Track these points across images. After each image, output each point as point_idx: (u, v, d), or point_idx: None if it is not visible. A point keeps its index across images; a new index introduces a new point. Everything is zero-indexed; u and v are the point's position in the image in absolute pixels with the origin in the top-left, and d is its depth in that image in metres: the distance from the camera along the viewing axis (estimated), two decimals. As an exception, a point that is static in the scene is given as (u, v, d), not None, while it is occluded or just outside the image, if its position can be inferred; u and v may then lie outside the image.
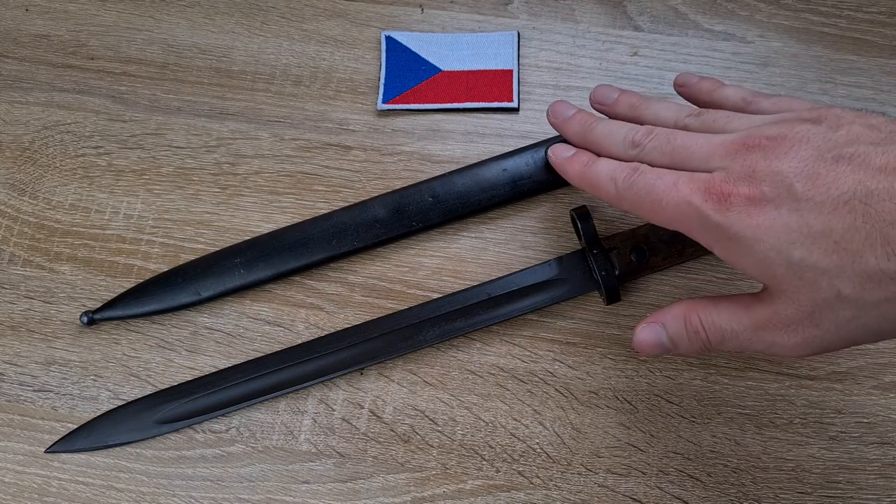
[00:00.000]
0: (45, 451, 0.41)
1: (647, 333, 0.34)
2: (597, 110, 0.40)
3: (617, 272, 0.40)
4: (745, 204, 0.29)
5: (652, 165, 0.34)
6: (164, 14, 0.50)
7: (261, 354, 0.42)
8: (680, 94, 0.40)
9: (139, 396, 0.42)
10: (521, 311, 0.41)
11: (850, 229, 0.27)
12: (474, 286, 0.42)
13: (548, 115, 0.41)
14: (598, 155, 0.37)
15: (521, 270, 0.42)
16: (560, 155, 0.39)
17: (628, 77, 0.47)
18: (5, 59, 0.50)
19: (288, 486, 0.40)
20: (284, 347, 0.42)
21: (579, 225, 0.41)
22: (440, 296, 0.42)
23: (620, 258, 0.40)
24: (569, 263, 0.42)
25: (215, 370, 0.42)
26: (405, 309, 0.42)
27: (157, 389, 0.42)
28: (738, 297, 0.33)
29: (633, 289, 0.43)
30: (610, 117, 0.39)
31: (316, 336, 0.42)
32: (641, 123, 0.36)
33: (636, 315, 0.42)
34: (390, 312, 0.42)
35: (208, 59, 0.49)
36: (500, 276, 0.42)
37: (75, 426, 0.41)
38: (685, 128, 0.35)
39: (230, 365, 0.42)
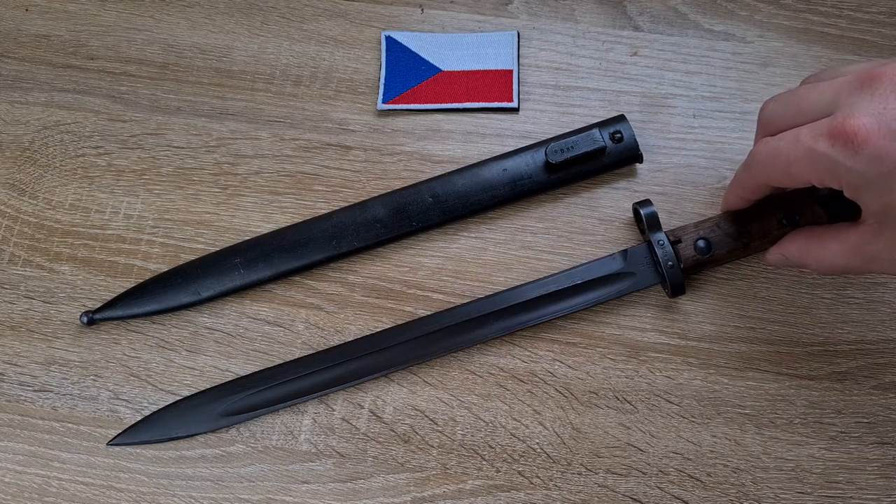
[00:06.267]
0: (108, 444, 0.41)
1: None
2: None
3: (682, 265, 0.40)
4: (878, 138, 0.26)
5: None
6: (164, 14, 0.50)
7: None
8: None
9: (200, 390, 0.42)
10: (585, 305, 0.41)
11: None
12: (530, 282, 0.42)
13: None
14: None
15: (585, 264, 0.42)
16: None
17: (628, 77, 0.47)
18: (5, 59, 0.50)
19: (288, 486, 0.40)
20: (344, 342, 0.42)
21: (644, 218, 0.41)
22: (503, 289, 0.42)
23: (685, 251, 0.40)
24: (634, 257, 0.41)
25: (276, 364, 0.42)
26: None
27: (217, 384, 0.42)
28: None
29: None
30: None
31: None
32: None
33: (636, 315, 0.42)
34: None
35: (208, 59, 0.49)
36: (561, 270, 0.42)
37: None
38: None
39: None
